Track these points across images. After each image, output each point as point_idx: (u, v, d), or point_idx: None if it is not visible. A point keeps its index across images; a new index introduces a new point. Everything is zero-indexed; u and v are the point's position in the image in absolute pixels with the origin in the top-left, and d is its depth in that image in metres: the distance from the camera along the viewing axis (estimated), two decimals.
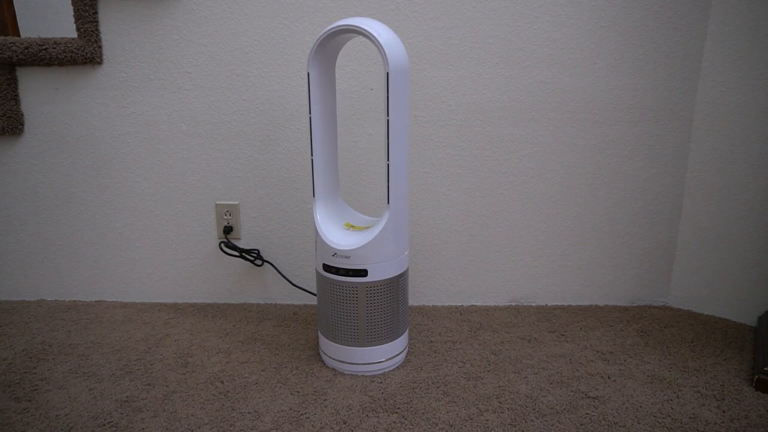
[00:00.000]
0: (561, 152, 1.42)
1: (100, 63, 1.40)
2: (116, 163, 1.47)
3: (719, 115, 1.36)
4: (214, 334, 1.39)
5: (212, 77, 1.40)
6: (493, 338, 1.36)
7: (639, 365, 1.25)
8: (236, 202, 1.48)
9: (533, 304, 1.53)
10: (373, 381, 1.19)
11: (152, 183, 1.48)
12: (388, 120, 1.09)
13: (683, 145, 1.41)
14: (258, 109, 1.42)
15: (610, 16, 1.33)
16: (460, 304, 1.53)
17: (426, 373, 1.22)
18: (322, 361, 1.26)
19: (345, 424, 1.06)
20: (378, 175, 1.45)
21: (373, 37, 1.06)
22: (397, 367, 1.25)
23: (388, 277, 1.17)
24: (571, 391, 1.16)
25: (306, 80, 1.39)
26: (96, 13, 1.36)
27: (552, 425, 1.06)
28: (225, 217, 1.49)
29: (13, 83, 1.41)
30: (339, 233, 1.18)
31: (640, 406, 1.11)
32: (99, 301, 1.56)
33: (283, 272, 1.52)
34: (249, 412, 1.10)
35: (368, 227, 1.21)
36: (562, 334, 1.37)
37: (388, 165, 1.12)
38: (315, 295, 1.51)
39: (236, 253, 1.48)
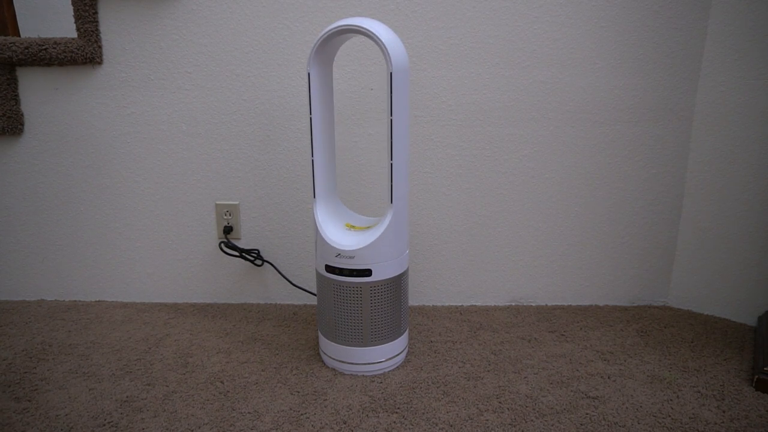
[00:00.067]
0: (561, 152, 1.42)
1: (100, 63, 1.40)
2: (116, 163, 1.47)
3: (719, 115, 1.36)
4: (214, 334, 1.39)
5: (212, 77, 1.40)
6: (493, 338, 1.36)
7: (639, 365, 1.25)
8: (236, 202, 1.48)
9: (533, 304, 1.53)
10: (373, 381, 1.19)
11: (152, 183, 1.48)
12: (391, 120, 1.09)
13: (683, 145, 1.41)
14: (258, 109, 1.42)
15: (610, 16, 1.33)
16: (460, 304, 1.53)
17: (426, 373, 1.22)
18: (322, 361, 1.26)
19: (345, 424, 1.06)
20: (378, 175, 1.45)
21: (376, 37, 1.06)
22: (397, 367, 1.25)
23: (390, 276, 1.18)
24: (571, 391, 1.16)
25: (305, 80, 1.39)
26: (96, 13, 1.36)
27: (552, 425, 1.06)
28: (225, 217, 1.49)
29: (13, 83, 1.41)
30: (341, 234, 1.18)
31: (640, 406, 1.11)
32: (99, 301, 1.56)
33: (283, 272, 1.52)
34: (249, 412, 1.10)
35: (369, 227, 1.21)
36: (562, 334, 1.37)
37: (391, 164, 1.12)
38: (315, 295, 1.51)
39: (236, 253, 1.48)
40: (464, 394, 1.15)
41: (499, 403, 1.12)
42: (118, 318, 1.46)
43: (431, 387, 1.17)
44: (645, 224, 1.46)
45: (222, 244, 1.48)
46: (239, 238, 1.50)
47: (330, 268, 1.17)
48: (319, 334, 1.26)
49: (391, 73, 1.07)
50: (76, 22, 1.36)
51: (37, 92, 1.42)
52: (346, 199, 1.46)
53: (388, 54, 1.06)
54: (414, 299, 1.54)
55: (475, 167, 1.44)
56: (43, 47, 1.36)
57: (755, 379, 1.16)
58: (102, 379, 1.20)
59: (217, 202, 1.48)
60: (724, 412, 1.09)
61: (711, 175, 1.40)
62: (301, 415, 1.09)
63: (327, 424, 1.06)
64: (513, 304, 1.53)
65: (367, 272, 1.15)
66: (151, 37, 1.38)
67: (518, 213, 1.46)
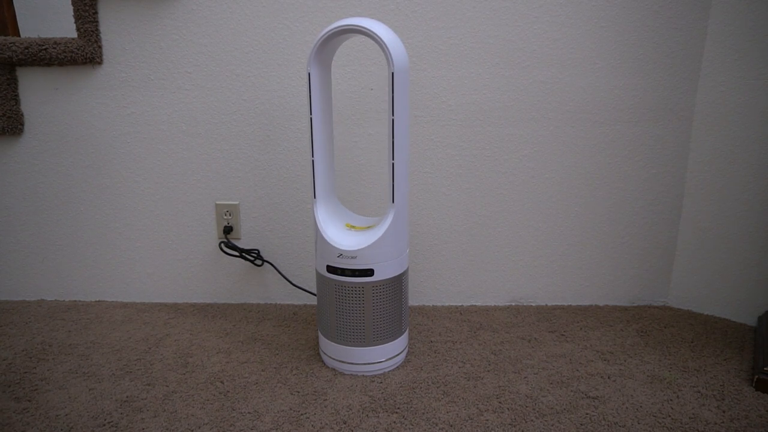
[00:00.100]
0: (561, 152, 1.42)
1: (100, 63, 1.40)
2: (116, 163, 1.47)
3: (719, 115, 1.36)
4: (214, 334, 1.39)
5: (212, 77, 1.40)
6: (493, 338, 1.36)
7: (639, 365, 1.25)
8: (236, 202, 1.48)
9: (533, 304, 1.53)
10: (373, 381, 1.19)
11: (152, 183, 1.48)
12: (393, 119, 1.10)
13: (683, 145, 1.41)
14: (258, 109, 1.42)
15: (610, 16, 1.33)
16: (460, 304, 1.53)
17: (426, 373, 1.22)
18: (322, 361, 1.26)
19: (345, 424, 1.06)
20: (378, 175, 1.45)
21: (378, 37, 1.06)
22: (397, 367, 1.25)
23: (392, 276, 1.18)
24: (571, 391, 1.16)
25: (305, 80, 1.39)
26: (96, 13, 1.36)
27: (552, 425, 1.06)
28: (225, 217, 1.49)
29: (13, 83, 1.41)
30: (342, 234, 1.18)
31: (640, 406, 1.11)
32: (99, 301, 1.56)
33: (283, 272, 1.52)
34: (249, 412, 1.10)
35: (369, 227, 1.21)
36: (562, 334, 1.37)
37: (393, 164, 1.12)
38: (315, 295, 1.51)
39: (236, 253, 1.48)
40: (464, 394, 1.15)
41: (499, 403, 1.12)
42: (118, 318, 1.46)
43: (431, 387, 1.17)
44: (645, 224, 1.46)
45: (222, 244, 1.48)
46: (239, 238, 1.50)
47: (332, 269, 1.17)
48: (319, 334, 1.26)
49: (393, 73, 1.07)
50: (76, 22, 1.36)
51: (37, 92, 1.42)
52: (346, 199, 1.46)
53: (390, 54, 1.06)
54: (414, 299, 1.54)
55: (475, 167, 1.44)
56: (43, 47, 1.36)
57: (755, 379, 1.16)
58: (102, 379, 1.20)
59: (217, 202, 1.48)
60: (724, 412, 1.09)
61: (711, 175, 1.40)
62: (301, 415, 1.09)
63: (327, 424, 1.06)
64: (513, 304, 1.53)
65: (370, 272, 1.15)
66: (151, 37, 1.38)
67: (518, 213, 1.46)
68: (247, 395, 1.15)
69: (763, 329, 1.31)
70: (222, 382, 1.19)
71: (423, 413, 1.09)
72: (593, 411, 1.10)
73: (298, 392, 1.16)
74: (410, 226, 1.48)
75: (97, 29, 1.37)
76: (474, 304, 1.53)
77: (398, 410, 1.10)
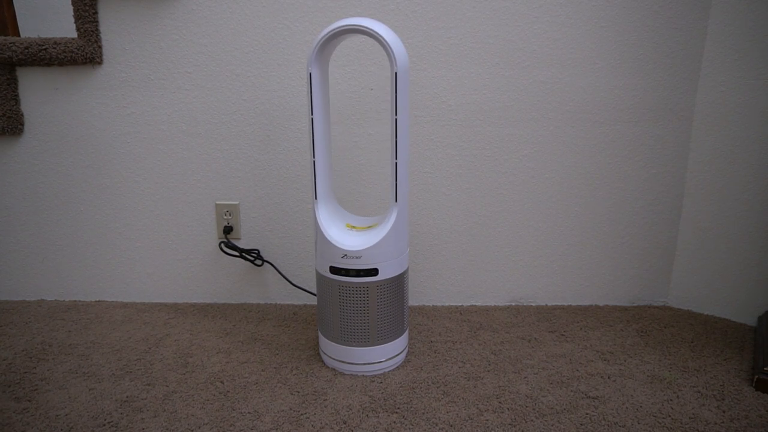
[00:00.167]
0: (561, 152, 1.42)
1: (100, 63, 1.40)
2: (116, 163, 1.47)
3: (719, 115, 1.36)
4: (214, 334, 1.39)
5: (212, 77, 1.40)
6: (493, 338, 1.36)
7: (639, 365, 1.25)
8: (236, 202, 1.48)
9: (533, 304, 1.53)
10: (373, 381, 1.19)
11: (152, 183, 1.48)
12: (396, 119, 1.10)
13: (683, 145, 1.41)
14: (258, 109, 1.42)
15: (610, 16, 1.33)
16: (460, 304, 1.53)
17: (426, 373, 1.22)
18: (322, 361, 1.26)
19: (345, 424, 1.06)
20: (378, 175, 1.45)
21: (381, 37, 1.07)
22: (397, 367, 1.25)
23: (394, 275, 1.18)
24: (571, 391, 1.16)
25: (305, 80, 1.39)
26: (96, 13, 1.36)
27: (552, 425, 1.06)
28: (225, 217, 1.49)
29: (13, 83, 1.41)
30: (344, 235, 1.18)
31: (640, 406, 1.11)
32: (99, 301, 1.56)
33: (283, 272, 1.52)
34: (249, 412, 1.10)
35: (370, 227, 1.21)
36: (562, 334, 1.37)
37: (396, 163, 1.12)
38: (315, 295, 1.51)
39: (236, 253, 1.48)
40: (464, 394, 1.15)
41: (499, 403, 1.12)
42: (118, 318, 1.46)
43: (431, 387, 1.17)
44: (645, 224, 1.46)
45: (222, 244, 1.48)
46: (239, 238, 1.50)
47: (335, 270, 1.17)
48: (319, 334, 1.26)
49: (396, 73, 1.07)
50: (76, 22, 1.36)
51: (37, 92, 1.42)
52: (346, 199, 1.46)
53: (393, 54, 1.07)
54: (414, 299, 1.54)
55: (475, 167, 1.44)
56: (43, 47, 1.36)
57: (755, 379, 1.16)
58: (102, 379, 1.20)
59: (217, 202, 1.48)
60: (724, 412, 1.09)
61: (711, 175, 1.40)
62: (301, 415, 1.09)
63: (327, 424, 1.06)
64: (513, 304, 1.53)
65: (374, 272, 1.16)
66: (151, 37, 1.38)
67: (518, 213, 1.46)
68: (247, 395, 1.15)
69: (763, 329, 1.31)
70: (222, 382, 1.19)
71: (423, 413, 1.09)
72: (593, 411, 1.10)
73: (298, 392, 1.16)
74: (410, 226, 1.48)
75: (97, 29, 1.37)
76: (474, 304, 1.53)
77: (398, 410, 1.10)
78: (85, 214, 1.50)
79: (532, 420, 1.07)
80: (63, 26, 1.96)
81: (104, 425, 1.06)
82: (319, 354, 1.29)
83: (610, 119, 1.40)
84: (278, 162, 1.45)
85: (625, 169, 1.43)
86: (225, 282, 1.54)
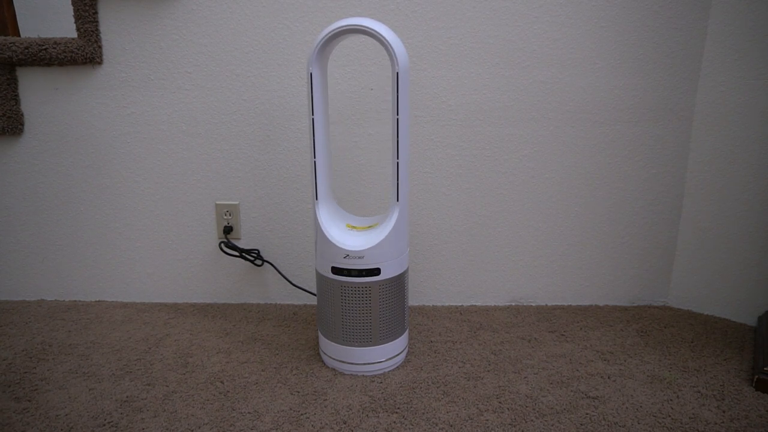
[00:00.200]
0: (561, 152, 1.42)
1: (100, 63, 1.40)
2: (116, 163, 1.47)
3: (719, 115, 1.36)
4: (214, 334, 1.39)
5: (212, 77, 1.40)
6: (493, 338, 1.36)
7: (639, 365, 1.25)
8: (236, 202, 1.48)
9: (533, 304, 1.53)
10: (373, 381, 1.19)
11: (152, 183, 1.48)
12: (397, 119, 1.10)
13: (683, 145, 1.41)
14: (258, 109, 1.42)
15: (610, 16, 1.33)
16: (460, 304, 1.53)
17: (426, 373, 1.22)
18: (322, 361, 1.26)
19: (345, 424, 1.06)
20: (378, 175, 1.45)
21: (383, 37, 1.07)
22: (397, 367, 1.25)
23: (396, 274, 1.19)
24: (571, 391, 1.16)
25: (305, 80, 1.39)
26: (96, 13, 1.36)
27: (552, 425, 1.06)
28: (225, 217, 1.49)
29: (13, 83, 1.41)
30: (345, 235, 1.18)
31: (640, 406, 1.11)
32: (99, 301, 1.56)
33: (283, 272, 1.52)
34: (249, 412, 1.10)
35: (371, 227, 1.21)
36: (562, 334, 1.37)
37: (397, 163, 1.13)
38: (315, 295, 1.51)
39: (236, 253, 1.48)
40: (464, 394, 1.15)
41: (499, 403, 1.12)
42: (118, 318, 1.46)
43: (431, 387, 1.17)
44: (645, 224, 1.46)
45: (222, 244, 1.48)
46: (239, 238, 1.50)
47: (337, 270, 1.17)
48: (320, 334, 1.26)
49: (398, 73, 1.07)
50: (76, 22, 1.36)
51: (37, 92, 1.42)
52: (346, 199, 1.46)
53: (395, 54, 1.07)
54: (414, 299, 1.54)
55: (475, 167, 1.44)
56: (43, 47, 1.36)
57: (755, 379, 1.16)
58: (102, 379, 1.20)
59: (217, 202, 1.48)
60: (724, 412, 1.09)
61: (711, 175, 1.40)
62: (301, 415, 1.09)
63: (327, 424, 1.06)
64: (513, 304, 1.53)
65: (376, 271, 1.16)
66: (151, 37, 1.38)
67: (518, 213, 1.46)
68: (247, 395, 1.15)
69: (763, 329, 1.31)
70: (222, 382, 1.19)
71: (423, 413, 1.09)
72: (593, 411, 1.10)
73: (298, 392, 1.16)
74: (410, 226, 1.48)
75: (97, 29, 1.37)
76: (474, 304, 1.53)
77: (398, 410, 1.10)
78: (85, 214, 1.50)
79: (532, 420, 1.07)
80: (63, 26, 1.96)
81: (104, 425, 1.06)
82: (319, 354, 1.29)
83: (610, 119, 1.40)
84: (278, 162, 1.45)
85: (625, 169, 1.43)
86: (225, 282, 1.54)
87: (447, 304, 1.53)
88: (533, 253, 1.49)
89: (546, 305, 1.52)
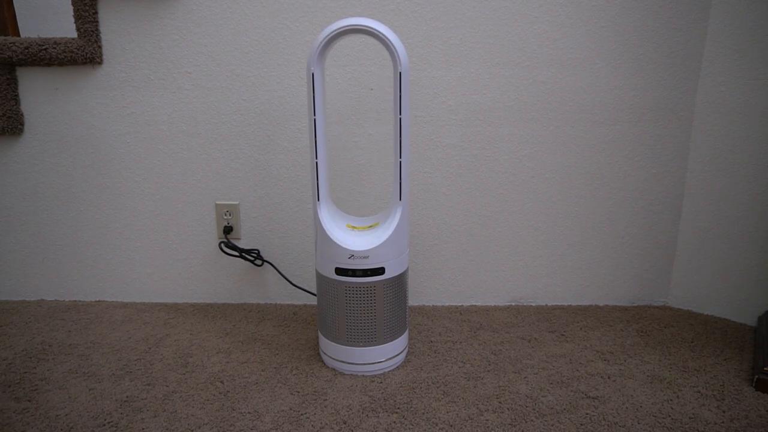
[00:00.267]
0: (561, 152, 1.42)
1: (100, 63, 1.40)
2: (116, 163, 1.47)
3: (719, 115, 1.36)
4: (214, 334, 1.39)
5: (212, 77, 1.40)
6: (493, 338, 1.36)
7: (639, 365, 1.25)
8: (236, 202, 1.48)
9: (533, 304, 1.53)
10: (373, 381, 1.19)
11: (152, 183, 1.48)
12: (400, 118, 1.10)
13: (683, 145, 1.41)
14: (258, 109, 1.42)
15: (610, 16, 1.33)
16: (460, 304, 1.53)
17: (426, 373, 1.22)
18: (322, 361, 1.26)
19: (345, 424, 1.06)
20: (378, 175, 1.45)
21: (386, 37, 1.07)
22: (397, 367, 1.25)
23: (399, 273, 1.19)
24: (571, 391, 1.16)
25: (305, 80, 1.39)
26: (96, 13, 1.36)
27: (552, 425, 1.06)
28: (225, 217, 1.49)
29: (13, 83, 1.41)
30: (348, 236, 1.18)
31: (640, 406, 1.11)
32: (99, 301, 1.56)
33: (283, 272, 1.52)
34: (249, 412, 1.10)
35: (371, 226, 1.21)
36: (562, 334, 1.37)
37: (400, 162, 1.13)
38: (315, 295, 1.51)
39: (236, 253, 1.48)
40: (464, 394, 1.15)
41: (499, 403, 1.12)
42: (118, 318, 1.46)
43: (431, 387, 1.17)
44: (645, 224, 1.46)
45: (222, 244, 1.48)
46: (239, 238, 1.50)
47: (341, 271, 1.17)
48: (320, 334, 1.26)
49: (400, 73, 1.08)
50: (76, 22, 1.36)
51: (37, 92, 1.42)
52: (346, 199, 1.46)
53: (398, 54, 1.07)
54: (414, 299, 1.54)
55: (475, 167, 1.44)
56: (43, 47, 1.36)
57: (755, 379, 1.16)
58: (102, 379, 1.20)
59: (217, 202, 1.48)
60: (724, 412, 1.09)
61: (711, 175, 1.40)
62: (301, 415, 1.09)
63: (327, 424, 1.06)
64: (513, 304, 1.53)
65: (381, 270, 1.16)
66: (151, 37, 1.38)
67: (518, 213, 1.46)
68: (247, 395, 1.15)
69: (763, 329, 1.31)
70: (222, 382, 1.19)
71: (423, 413, 1.09)
72: (593, 411, 1.10)
73: (298, 392, 1.16)
74: (410, 226, 1.48)
75: (97, 29, 1.37)
76: (474, 304, 1.53)
77: (398, 410, 1.10)
78: (85, 214, 1.50)
79: (532, 420, 1.07)
80: (63, 26, 1.96)
81: (104, 425, 1.06)
82: (319, 354, 1.29)
83: (610, 119, 1.40)
84: (278, 162, 1.45)
85: (625, 169, 1.43)
86: (225, 282, 1.54)
87: (447, 304, 1.53)
88: (533, 253, 1.49)
89: (546, 305, 1.52)
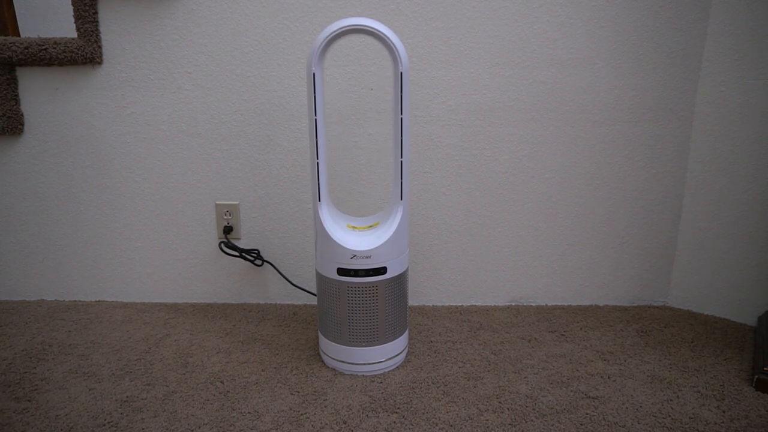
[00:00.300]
0: (561, 152, 1.42)
1: (100, 63, 1.40)
2: (116, 163, 1.47)
3: (719, 115, 1.36)
4: (214, 334, 1.39)
5: (212, 77, 1.40)
6: (493, 338, 1.36)
7: (639, 365, 1.25)
8: (236, 202, 1.48)
9: (533, 304, 1.53)
10: (373, 381, 1.19)
11: (152, 183, 1.48)
12: (401, 118, 1.11)
13: (683, 145, 1.41)
14: (258, 109, 1.42)
15: (610, 16, 1.33)
16: (460, 304, 1.53)
17: (426, 373, 1.22)
18: (322, 361, 1.26)
19: (345, 424, 1.06)
20: (378, 175, 1.45)
21: (387, 37, 1.07)
22: (397, 367, 1.25)
23: (400, 272, 1.19)
24: (571, 391, 1.16)
25: (305, 80, 1.39)
26: (96, 13, 1.36)
27: (552, 425, 1.06)
28: (225, 217, 1.49)
29: (13, 83, 1.41)
30: (349, 236, 1.18)
31: (640, 406, 1.11)
32: (99, 301, 1.56)
33: (283, 272, 1.52)
34: (249, 412, 1.10)
35: (371, 226, 1.21)
36: (562, 334, 1.37)
37: (401, 162, 1.13)
38: (315, 295, 1.51)
39: (236, 253, 1.48)
40: (464, 394, 1.15)
41: (499, 403, 1.12)
42: (118, 318, 1.46)
43: (431, 387, 1.17)
44: (645, 224, 1.46)
45: (222, 244, 1.48)
46: (239, 238, 1.50)
47: (343, 271, 1.16)
48: (320, 334, 1.26)
49: (401, 73, 1.08)
50: (76, 22, 1.36)
51: (37, 92, 1.42)
52: (346, 199, 1.46)
53: (398, 54, 1.07)
54: (414, 299, 1.54)
55: (475, 167, 1.44)
56: (43, 47, 1.36)
57: (755, 379, 1.16)
58: (102, 379, 1.20)
59: (217, 202, 1.48)
60: (724, 412, 1.09)
61: (711, 175, 1.40)
62: (301, 415, 1.09)
63: (327, 424, 1.06)
64: (513, 304, 1.53)
65: (383, 270, 1.16)
66: (151, 37, 1.38)
67: (518, 213, 1.46)
68: (247, 395, 1.15)
69: (763, 329, 1.31)
70: (222, 382, 1.19)
71: (423, 413, 1.09)
72: (593, 411, 1.10)
73: (298, 392, 1.16)
74: (410, 226, 1.48)
75: (97, 29, 1.37)
76: (474, 304, 1.53)
77: (398, 410, 1.10)
78: (85, 214, 1.50)
79: (532, 420, 1.07)
80: (63, 26, 1.96)
81: (104, 425, 1.06)
82: (319, 354, 1.29)
83: (610, 119, 1.40)
84: (278, 162, 1.45)
85: (625, 169, 1.43)
86: (225, 282, 1.54)
87: (447, 304, 1.53)
88: (533, 253, 1.49)
89: (546, 305, 1.52)
